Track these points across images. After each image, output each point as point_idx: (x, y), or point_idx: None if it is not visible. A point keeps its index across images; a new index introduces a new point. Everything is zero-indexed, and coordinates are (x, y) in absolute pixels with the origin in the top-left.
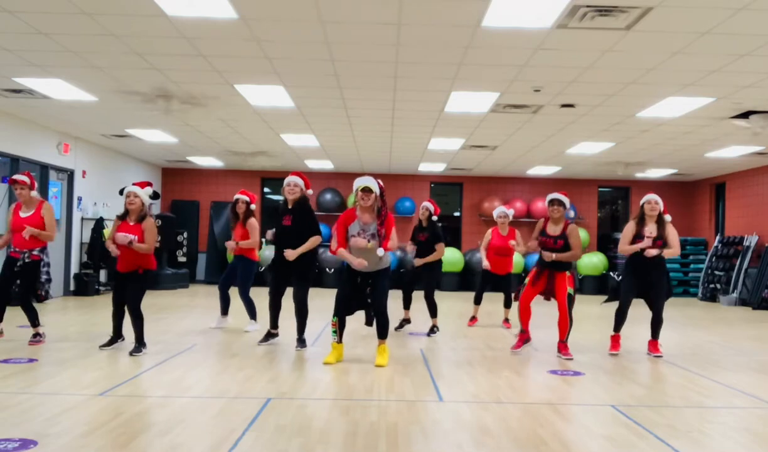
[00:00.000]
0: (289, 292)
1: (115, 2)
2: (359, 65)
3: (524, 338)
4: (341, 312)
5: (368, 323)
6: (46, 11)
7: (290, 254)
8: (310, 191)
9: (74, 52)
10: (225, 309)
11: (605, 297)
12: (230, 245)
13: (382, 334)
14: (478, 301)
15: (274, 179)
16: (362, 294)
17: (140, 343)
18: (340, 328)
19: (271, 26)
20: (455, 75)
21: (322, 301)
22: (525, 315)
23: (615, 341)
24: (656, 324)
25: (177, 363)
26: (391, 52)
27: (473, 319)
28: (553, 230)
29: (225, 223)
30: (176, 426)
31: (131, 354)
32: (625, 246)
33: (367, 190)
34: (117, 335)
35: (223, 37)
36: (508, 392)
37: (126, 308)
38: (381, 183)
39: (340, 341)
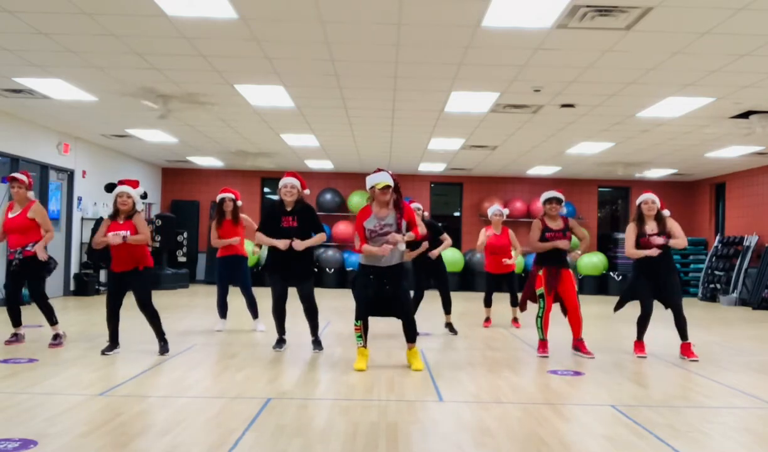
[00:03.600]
0: (292, 294)
1: (115, 2)
2: (359, 65)
3: (546, 344)
4: (365, 315)
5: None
6: (46, 11)
7: (299, 245)
8: (307, 191)
9: (74, 52)
10: (225, 313)
11: (615, 304)
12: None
13: (412, 337)
14: (488, 304)
15: (274, 179)
16: (384, 297)
17: (164, 340)
18: (364, 332)
19: (271, 26)
20: (455, 75)
21: (322, 301)
22: (547, 325)
23: (640, 346)
24: (681, 324)
25: (177, 363)
26: (391, 52)
27: (487, 320)
28: (556, 225)
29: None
30: (176, 426)
31: (161, 353)
32: (632, 250)
33: (385, 188)
34: (115, 342)
35: (223, 37)
36: (508, 392)
37: (140, 309)
38: (393, 175)
39: (365, 345)
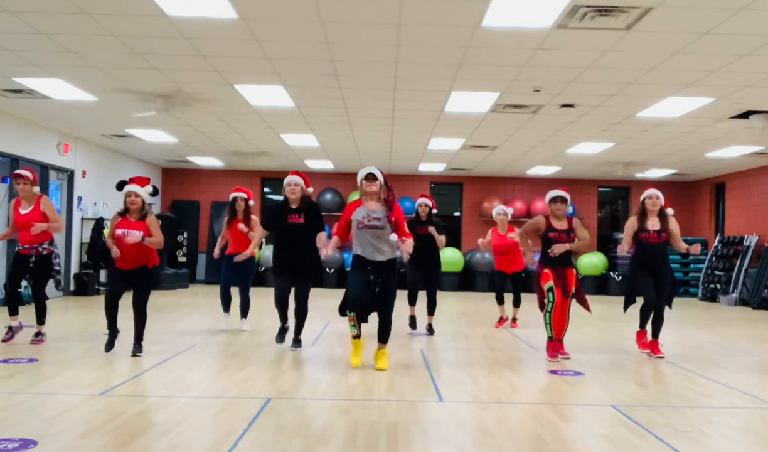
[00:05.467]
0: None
1: (115, 2)
2: (359, 65)
3: (555, 345)
4: (357, 307)
5: (365, 320)
6: (46, 11)
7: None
8: (310, 190)
9: (74, 52)
10: (228, 307)
11: (624, 304)
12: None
13: (384, 338)
14: (501, 301)
15: (274, 179)
16: (372, 293)
17: (140, 344)
18: (358, 322)
19: (271, 26)
20: (455, 75)
21: (322, 301)
22: (557, 322)
23: (643, 336)
24: (658, 323)
25: (177, 363)
26: (391, 52)
27: (501, 320)
28: (560, 225)
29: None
30: (176, 426)
31: (134, 354)
32: (624, 243)
33: (371, 176)
34: (115, 331)
35: (223, 37)
36: (508, 392)
37: (133, 306)
38: (384, 173)
39: (359, 335)
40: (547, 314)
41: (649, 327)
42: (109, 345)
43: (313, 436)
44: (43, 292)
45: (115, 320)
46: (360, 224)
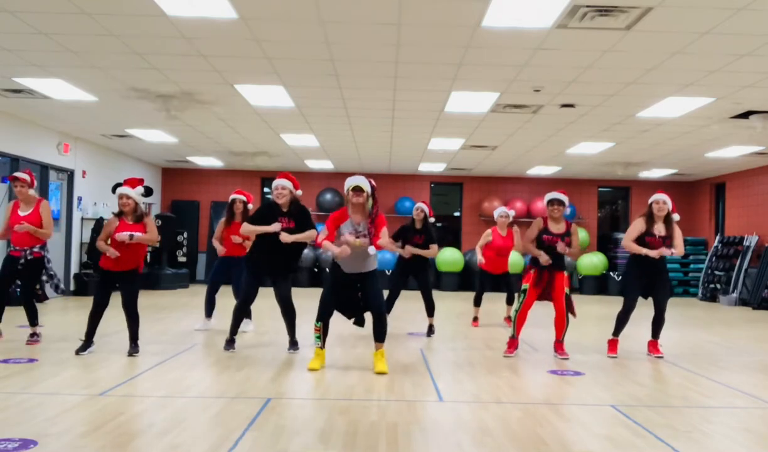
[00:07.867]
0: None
1: (115, 2)
2: (359, 65)
3: (515, 343)
4: (326, 316)
5: (358, 323)
6: (46, 11)
7: (286, 238)
8: (299, 192)
9: (74, 52)
10: (211, 312)
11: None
12: (221, 249)
13: (381, 337)
14: (478, 303)
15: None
16: (352, 298)
17: (137, 344)
18: (323, 333)
19: (271, 26)
20: (455, 75)
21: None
22: (521, 323)
23: (613, 345)
24: (658, 324)
25: (177, 363)
26: (391, 52)
27: (475, 320)
28: (557, 228)
29: None
30: (176, 426)
31: (130, 354)
32: (630, 243)
33: (357, 189)
34: (91, 340)
35: (223, 37)
36: (508, 392)
37: (124, 309)
38: (373, 183)
39: (323, 346)
40: (515, 313)
41: (649, 328)
42: (81, 350)
43: (313, 436)
44: (31, 294)
45: (94, 330)
46: (344, 236)
